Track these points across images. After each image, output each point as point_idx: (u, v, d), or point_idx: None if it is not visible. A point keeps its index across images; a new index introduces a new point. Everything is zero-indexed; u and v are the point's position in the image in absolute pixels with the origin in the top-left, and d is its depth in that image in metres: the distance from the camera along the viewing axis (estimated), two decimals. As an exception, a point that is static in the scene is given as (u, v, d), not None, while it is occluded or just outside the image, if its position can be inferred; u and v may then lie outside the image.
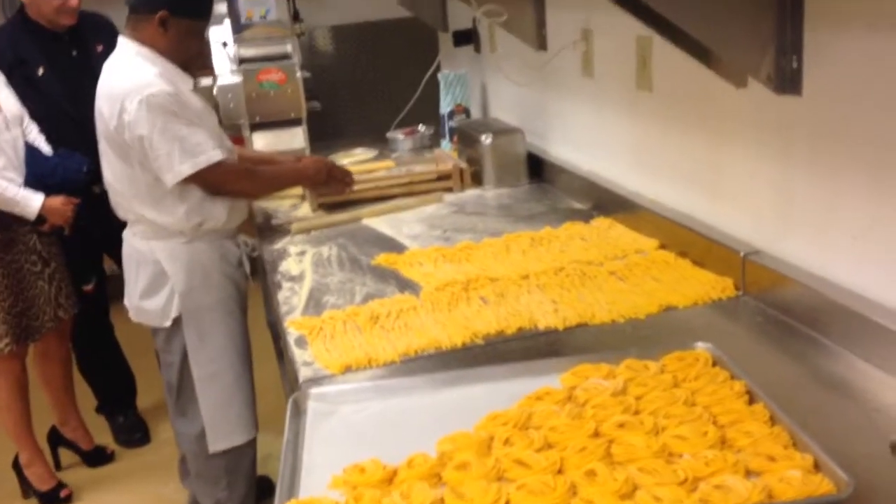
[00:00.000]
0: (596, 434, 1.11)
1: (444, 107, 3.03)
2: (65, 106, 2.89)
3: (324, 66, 3.94)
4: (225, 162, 2.11)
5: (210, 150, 2.07)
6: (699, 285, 1.61)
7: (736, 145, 1.64)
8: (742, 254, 1.57)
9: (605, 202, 2.13)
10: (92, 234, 2.97)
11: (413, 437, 1.19)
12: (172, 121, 2.02)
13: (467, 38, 3.10)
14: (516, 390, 1.26)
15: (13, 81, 2.79)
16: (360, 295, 1.79)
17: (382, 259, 1.98)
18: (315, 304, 1.77)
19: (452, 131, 3.02)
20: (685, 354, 1.29)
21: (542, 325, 1.53)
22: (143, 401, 3.36)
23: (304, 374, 1.45)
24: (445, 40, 3.49)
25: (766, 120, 1.54)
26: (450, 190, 2.52)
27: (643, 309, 1.54)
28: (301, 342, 1.58)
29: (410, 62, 3.81)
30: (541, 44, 2.46)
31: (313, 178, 2.36)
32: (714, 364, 1.26)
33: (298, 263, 2.03)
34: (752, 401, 1.15)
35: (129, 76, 2.07)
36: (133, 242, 2.29)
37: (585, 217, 2.12)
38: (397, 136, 3.21)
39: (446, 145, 3.05)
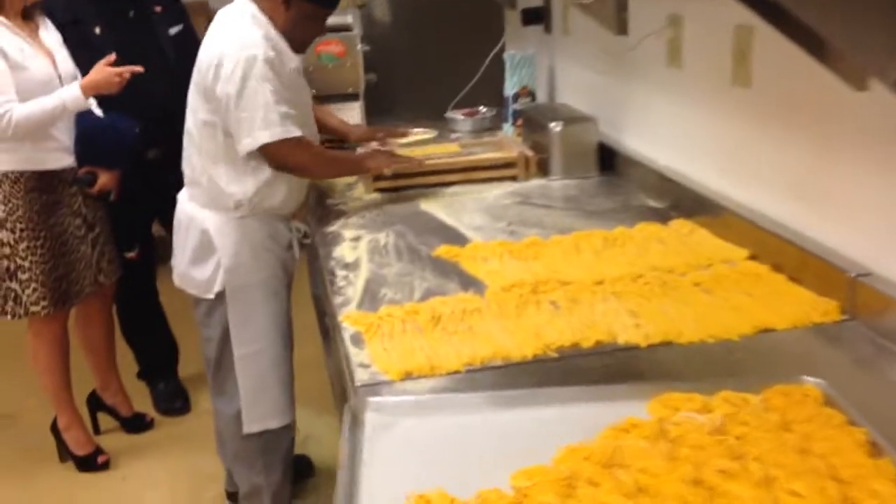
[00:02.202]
0: (695, 482, 0.97)
1: (509, 89, 2.87)
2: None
3: (381, 38, 3.79)
4: (303, 140, 2.05)
5: (291, 126, 2.00)
6: (798, 305, 1.45)
7: (848, 154, 1.47)
8: (853, 274, 1.41)
9: (685, 202, 1.97)
10: (141, 201, 2.89)
11: (482, 463, 1.07)
12: (264, 86, 1.96)
13: (537, 17, 2.93)
14: (596, 418, 1.13)
15: (68, 41, 2.70)
16: (420, 290, 1.66)
17: (443, 251, 1.85)
18: (371, 297, 1.65)
19: (516, 115, 2.87)
20: (791, 389, 1.15)
21: (621, 340, 1.39)
22: (185, 369, 3.29)
23: (359, 376, 1.34)
24: (512, 18, 3.33)
25: (886, 128, 1.37)
26: (514, 178, 2.38)
27: (735, 329, 1.39)
28: (357, 340, 1.46)
29: (473, 39, 3.63)
30: (621, 28, 2.29)
31: (377, 170, 2.27)
32: (826, 403, 1.11)
33: (353, 250, 1.92)
34: (875, 453, 1.01)
35: (236, 33, 2.03)
36: (186, 207, 2.23)
37: (662, 217, 1.97)
38: (457, 116, 3.07)
39: (508, 129, 2.90)
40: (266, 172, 2.09)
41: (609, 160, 2.40)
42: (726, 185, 1.86)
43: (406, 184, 2.34)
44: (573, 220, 2.03)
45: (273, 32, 2.04)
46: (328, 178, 2.36)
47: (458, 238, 1.95)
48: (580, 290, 1.59)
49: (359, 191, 2.36)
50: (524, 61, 2.85)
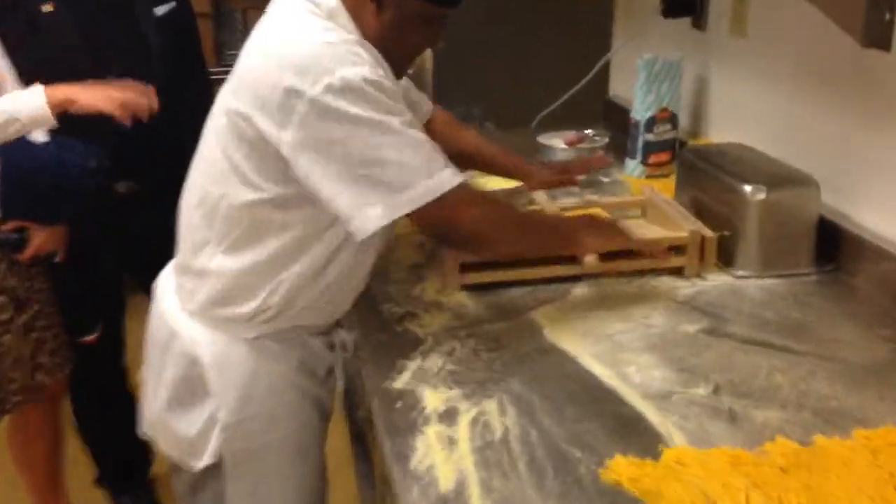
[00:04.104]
0: None
1: (641, 110, 1.97)
2: (80, 62, 1.92)
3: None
4: (471, 189, 1.22)
5: (443, 170, 1.15)
6: None
7: None
8: None
9: None
10: (105, 257, 2.03)
11: None
12: (389, 120, 1.12)
13: (687, 5, 2.02)
14: None
15: (5, 23, 1.83)
16: None
17: (622, 471, 0.97)
18: None
19: (650, 149, 1.98)
20: None
21: None
22: (162, 462, 2.43)
23: None
24: (628, 3, 2.43)
25: None
26: (679, 271, 1.49)
27: None
28: None
29: (570, 30, 2.74)
30: (876, 36, 1.40)
31: (593, 251, 1.39)
32: None
33: (448, 451, 1.03)
34: None
35: (317, 38, 1.15)
36: (166, 308, 1.38)
37: None
38: (555, 142, 2.17)
39: (635, 169, 2.01)
40: (324, 246, 1.24)
41: (829, 245, 1.51)
42: None
43: (505, 278, 1.46)
44: (827, 385, 1.14)
45: (366, 43, 1.18)
46: (514, 255, 1.42)
47: (632, 423, 1.07)
48: None
49: (432, 286, 1.48)
50: (668, 71, 1.95)
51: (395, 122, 1.12)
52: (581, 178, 1.61)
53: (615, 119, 2.36)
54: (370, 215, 1.12)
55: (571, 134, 2.18)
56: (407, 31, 1.21)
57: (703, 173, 1.62)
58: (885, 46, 1.38)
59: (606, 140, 2.16)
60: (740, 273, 1.49)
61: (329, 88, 1.09)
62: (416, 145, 1.13)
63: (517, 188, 1.72)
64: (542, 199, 1.65)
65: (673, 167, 2.01)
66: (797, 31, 1.62)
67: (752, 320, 1.34)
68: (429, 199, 1.12)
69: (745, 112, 1.84)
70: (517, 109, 2.52)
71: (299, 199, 1.18)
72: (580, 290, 1.44)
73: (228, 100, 1.22)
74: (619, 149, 2.10)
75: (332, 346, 1.41)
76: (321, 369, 1.39)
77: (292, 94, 1.11)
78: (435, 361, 1.23)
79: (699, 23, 2.01)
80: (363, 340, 1.31)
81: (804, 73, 1.60)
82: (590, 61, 2.41)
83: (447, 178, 1.14)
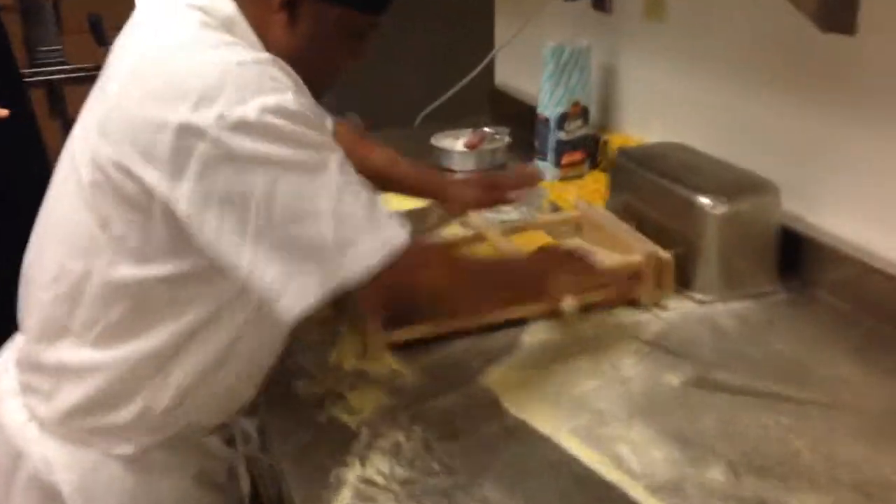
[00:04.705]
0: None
1: (550, 105, 1.75)
2: None
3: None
4: (420, 240, 0.94)
5: (389, 219, 0.88)
6: None
7: None
8: None
9: None
10: None
11: None
12: (313, 165, 0.84)
13: (589, -14, 1.80)
14: None
15: None
16: None
17: None
18: None
19: (561, 147, 1.77)
20: None
21: None
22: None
23: None
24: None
25: None
26: (634, 301, 1.28)
27: None
28: None
29: (440, 10, 2.48)
30: (836, 20, 1.23)
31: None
32: None
33: None
34: None
35: (220, 56, 0.85)
36: (7, 419, 1.03)
37: None
38: (450, 144, 1.92)
39: (550, 171, 1.79)
40: (230, 326, 0.94)
41: (788, 255, 1.34)
42: None
43: (440, 331, 1.19)
44: (852, 445, 0.96)
45: (283, 64, 0.88)
46: (474, 313, 1.15)
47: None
48: None
49: (351, 348, 1.18)
50: (577, 60, 1.73)
51: (329, 162, 0.84)
52: (513, 196, 1.35)
53: (504, 110, 2.14)
54: (304, 289, 0.83)
55: (469, 133, 1.94)
56: (327, 46, 0.93)
57: (643, 181, 1.41)
58: (848, 30, 1.22)
59: (508, 139, 1.93)
60: (701, 297, 1.30)
61: (241, 123, 0.80)
62: (355, 191, 0.86)
63: (426, 208, 1.46)
64: (477, 221, 1.39)
65: (587, 167, 1.81)
66: (728, 13, 1.44)
67: (738, 362, 1.14)
68: (377, 259, 0.84)
69: (666, 105, 1.66)
70: (394, 106, 2.25)
71: (201, 273, 0.88)
72: (529, 337, 1.20)
73: (94, 143, 0.88)
74: (522, 146, 1.89)
75: (230, 441, 1.10)
76: (222, 475, 1.09)
77: (188, 133, 0.80)
78: (379, 465, 0.95)
79: (602, 4, 1.80)
80: (280, 442, 1.01)
81: (741, 61, 1.43)
82: (470, 49, 2.17)
83: (395, 230, 0.87)
